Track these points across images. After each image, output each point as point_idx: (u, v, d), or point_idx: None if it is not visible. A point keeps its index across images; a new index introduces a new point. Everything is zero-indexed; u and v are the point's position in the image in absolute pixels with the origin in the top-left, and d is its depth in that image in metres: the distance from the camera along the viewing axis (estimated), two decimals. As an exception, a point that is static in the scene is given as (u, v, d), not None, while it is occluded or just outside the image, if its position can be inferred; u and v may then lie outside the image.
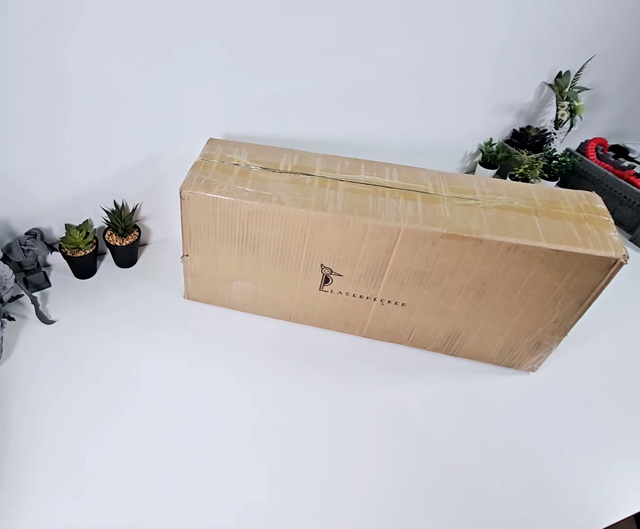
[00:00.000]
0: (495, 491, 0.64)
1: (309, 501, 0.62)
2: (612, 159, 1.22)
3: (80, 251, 0.86)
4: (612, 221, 0.68)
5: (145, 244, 0.99)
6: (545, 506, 0.63)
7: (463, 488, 0.64)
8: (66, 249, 0.86)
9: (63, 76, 0.69)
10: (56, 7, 0.63)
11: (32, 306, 0.79)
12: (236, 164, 0.74)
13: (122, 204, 0.88)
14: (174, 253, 0.84)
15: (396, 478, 0.65)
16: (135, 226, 0.92)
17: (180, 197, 0.70)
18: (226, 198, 0.68)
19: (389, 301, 0.75)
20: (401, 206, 0.68)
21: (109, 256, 0.94)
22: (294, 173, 0.73)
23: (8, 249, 0.80)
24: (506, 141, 1.23)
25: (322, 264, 0.73)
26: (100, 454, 0.64)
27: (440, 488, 0.64)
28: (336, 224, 0.67)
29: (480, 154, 1.22)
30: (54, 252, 0.86)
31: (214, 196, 0.68)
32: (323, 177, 0.73)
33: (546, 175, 1.17)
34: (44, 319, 0.79)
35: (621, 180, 1.14)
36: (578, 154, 1.24)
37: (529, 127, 1.21)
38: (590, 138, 1.26)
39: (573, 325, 0.71)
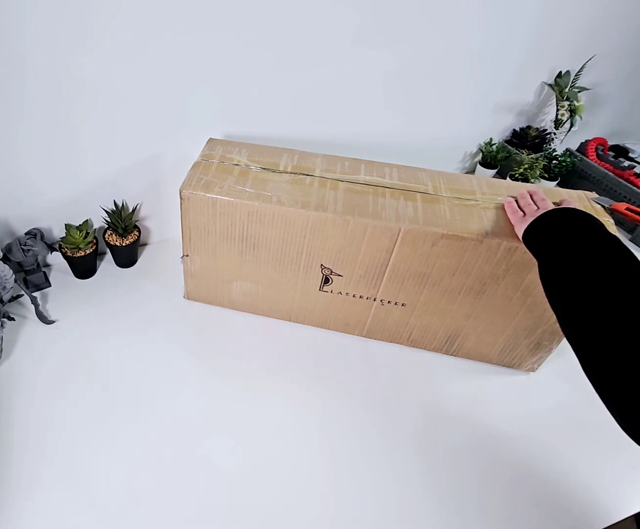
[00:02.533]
0: (495, 491, 0.65)
1: (308, 502, 0.62)
2: (612, 159, 1.22)
3: (80, 251, 0.86)
4: (612, 221, 0.68)
5: (145, 244, 0.99)
6: (545, 506, 0.63)
7: (462, 488, 0.64)
8: (66, 249, 0.86)
9: (63, 76, 0.69)
10: (59, 7, 0.63)
11: (32, 306, 0.79)
12: (236, 164, 0.74)
13: (122, 204, 0.88)
14: (174, 253, 0.84)
15: (395, 477, 0.65)
16: (135, 226, 0.92)
17: (180, 198, 0.70)
18: (226, 198, 0.68)
19: (389, 301, 0.75)
20: (401, 206, 0.68)
21: (109, 256, 0.94)
22: (293, 173, 0.73)
23: (8, 249, 0.80)
24: (506, 141, 1.23)
25: (322, 264, 0.73)
26: (100, 453, 0.64)
27: (441, 488, 0.64)
28: (336, 224, 0.67)
29: (480, 154, 1.22)
30: (54, 252, 0.86)
31: (214, 196, 0.68)
32: (323, 177, 0.73)
33: (546, 175, 1.17)
34: (44, 319, 0.79)
35: (621, 180, 1.14)
36: (578, 154, 1.24)
37: (529, 127, 1.21)
38: (590, 138, 1.26)
39: (573, 325, 0.71)
